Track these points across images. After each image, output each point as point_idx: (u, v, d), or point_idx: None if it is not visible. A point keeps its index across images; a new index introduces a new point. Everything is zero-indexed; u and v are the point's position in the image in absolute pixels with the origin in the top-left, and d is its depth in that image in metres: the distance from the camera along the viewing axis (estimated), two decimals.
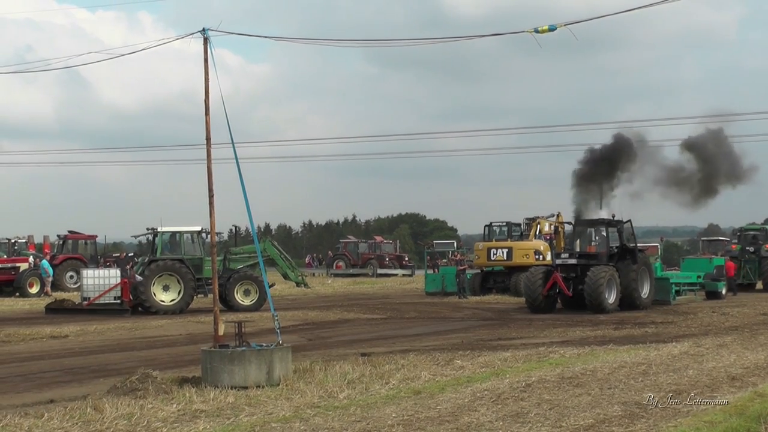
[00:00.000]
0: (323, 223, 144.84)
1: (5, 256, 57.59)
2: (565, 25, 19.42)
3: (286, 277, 45.55)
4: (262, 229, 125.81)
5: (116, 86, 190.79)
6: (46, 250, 60.84)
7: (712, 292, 46.53)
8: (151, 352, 24.07)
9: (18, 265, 55.23)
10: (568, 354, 21.17)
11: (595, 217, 40.66)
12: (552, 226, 51.82)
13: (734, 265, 50.82)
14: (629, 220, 39.49)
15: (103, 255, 65.65)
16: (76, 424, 13.36)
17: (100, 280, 39.42)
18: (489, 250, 48.91)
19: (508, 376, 17.67)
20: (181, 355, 22.58)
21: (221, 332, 17.93)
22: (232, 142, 18.49)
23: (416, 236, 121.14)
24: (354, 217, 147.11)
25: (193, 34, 18.64)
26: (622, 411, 14.03)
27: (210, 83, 18.38)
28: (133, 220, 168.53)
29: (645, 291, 38.86)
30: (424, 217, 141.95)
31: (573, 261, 38.41)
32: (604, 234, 39.71)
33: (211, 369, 16.56)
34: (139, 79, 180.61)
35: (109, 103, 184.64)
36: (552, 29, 19.47)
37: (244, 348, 16.90)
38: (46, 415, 13.82)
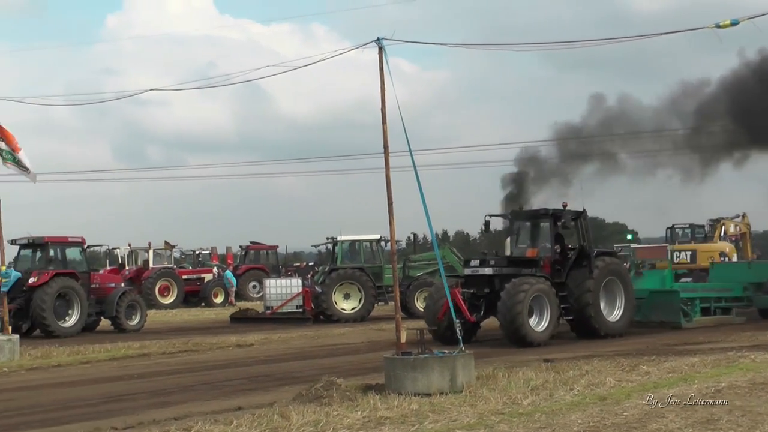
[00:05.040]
0: (501, 229, 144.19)
1: (190, 268, 59.08)
2: (748, 18, 18.81)
3: None
4: (440, 236, 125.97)
5: (293, 98, 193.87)
6: (230, 261, 62.24)
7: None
8: (333, 360, 24.31)
9: (203, 276, 56.73)
10: (759, 359, 20.45)
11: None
12: (737, 228, 50.48)
13: None
14: (582, 212, 29.32)
15: (284, 265, 66.77)
16: (264, 430, 13.55)
17: (282, 290, 40.08)
18: (672, 253, 47.93)
19: (696, 381, 17.20)
20: (363, 362, 22.71)
21: (403, 339, 17.97)
22: (410, 150, 18.52)
23: (596, 240, 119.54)
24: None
25: (367, 43, 18.71)
26: None
27: (386, 92, 18.45)
28: (312, 229, 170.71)
29: (615, 311, 28.61)
30: (604, 220, 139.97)
31: (487, 271, 27.57)
32: (548, 231, 29.44)
33: (394, 376, 16.60)
34: (315, 89, 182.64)
35: (287, 115, 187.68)
36: (734, 23, 18.88)
37: (426, 355, 16.89)
38: (234, 422, 14.05)
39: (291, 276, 53.03)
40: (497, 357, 22.81)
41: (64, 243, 36.75)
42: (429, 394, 15.95)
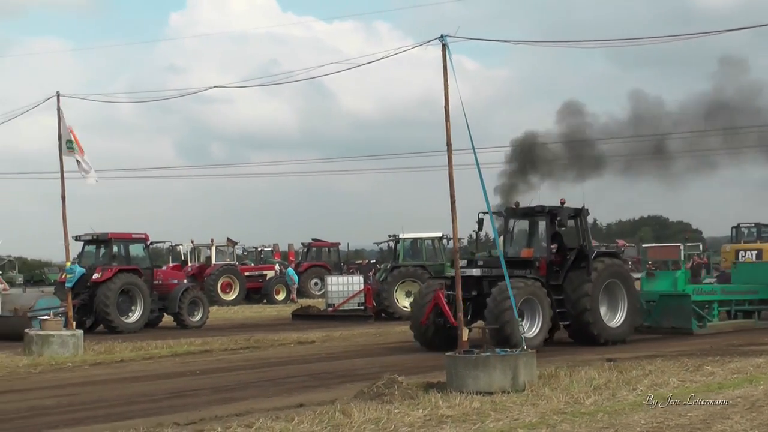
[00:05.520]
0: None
1: (252, 264, 59.34)
2: None
3: None
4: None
5: (356, 95, 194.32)
6: (291, 258, 62.40)
7: None
8: (394, 358, 24.27)
9: (265, 272, 56.91)
10: None
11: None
12: None
13: None
14: (583, 209, 27.31)
15: (346, 262, 66.86)
16: (326, 428, 13.55)
17: (344, 287, 40.18)
18: (737, 252, 47.32)
19: (762, 383, 16.99)
20: (425, 360, 22.65)
21: (465, 338, 17.92)
22: (473, 148, 18.46)
23: (659, 239, 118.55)
24: (595, 221, 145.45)
25: (431, 41, 18.69)
26: None
27: (449, 89, 18.40)
28: (374, 227, 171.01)
29: (617, 317, 26.54)
30: (667, 219, 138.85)
31: (474, 272, 25.59)
32: (544, 230, 27.30)
33: (456, 374, 16.56)
34: (377, 87, 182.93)
35: (350, 112, 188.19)
36: None
37: (488, 353, 16.82)
38: (296, 418, 14.07)
39: (353, 273, 53.20)
40: (559, 356, 22.67)
41: (127, 239, 37.04)
42: (491, 393, 15.90)
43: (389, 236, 41.78)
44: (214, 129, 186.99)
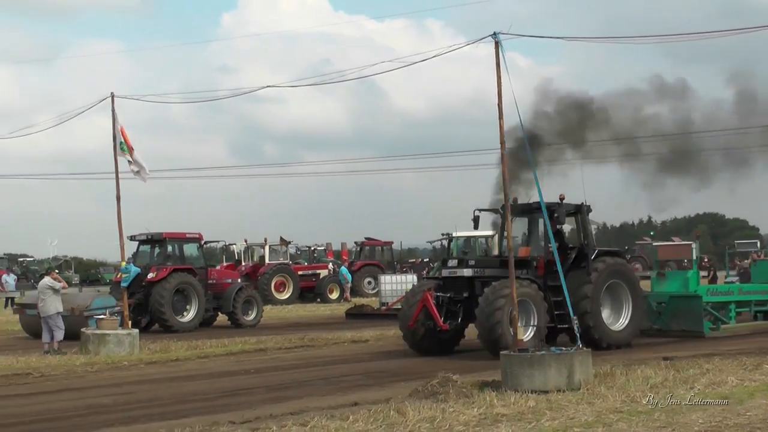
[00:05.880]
0: (617, 225, 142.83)
1: (306, 264, 59.47)
2: None
3: None
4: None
5: (407, 94, 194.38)
6: (345, 257, 62.51)
7: None
8: (449, 356, 24.17)
9: (318, 271, 57.01)
10: None
11: None
12: None
13: None
14: (583, 205, 25.77)
15: (399, 261, 66.83)
16: (380, 426, 13.53)
17: (397, 286, 40.16)
18: None
19: None
20: (479, 359, 22.55)
21: (520, 336, 17.83)
22: (527, 145, 18.37)
23: (715, 237, 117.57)
24: (649, 218, 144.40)
25: (483, 38, 18.62)
26: None
27: (502, 87, 18.31)
28: (427, 225, 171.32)
29: (621, 319, 25.26)
30: (723, 216, 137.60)
31: (466, 272, 24.37)
32: (541, 228, 25.76)
33: (511, 373, 16.49)
34: (429, 85, 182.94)
35: (401, 111, 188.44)
36: None
37: (543, 352, 16.73)
38: (350, 417, 14.06)
39: (406, 272, 53.16)
40: (614, 355, 22.51)
41: (181, 239, 37.27)
42: (546, 392, 15.83)
43: (442, 235, 41.79)
44: (266, 128, 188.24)
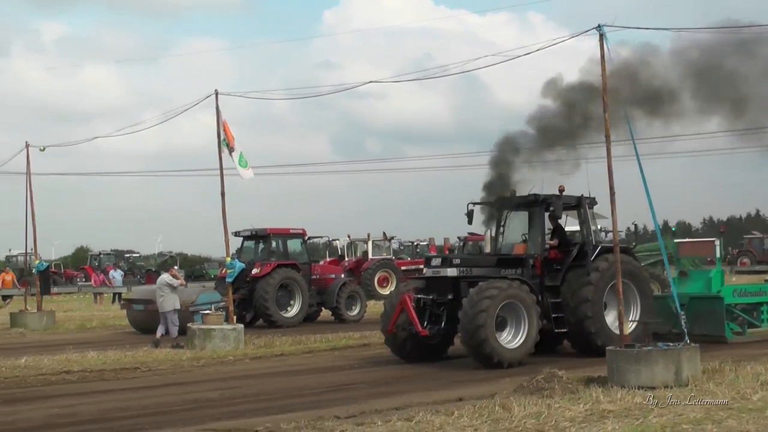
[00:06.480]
0: (724, 219, 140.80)
1: (409, 259, 59.49)
2: None
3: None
4: (661, 227, 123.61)
5: (510, 88, 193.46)
6: (447, 252, 62.33)
7: None
8: (554, 352, 23.97)
9: (421, 266, 56.78)
10: None
11: None
12: None
13: None
14: (582, 198, 23.48)
15: None
16: (485, 422, 13.47)
17: None
18: None
19: None
20: (582, 355, 22.28)
21: (626, 332, 17.64)
22: (632, 139, 18.12)
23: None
24: (757, 211, 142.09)
25: (587, 30, 18.42)
26: None
27: (607, 80, 18.12)
28: None
29: (628, 323, 20.69)
30: None
31: (450, 272, 22.03)
32: (538, 223, 23.44)
33: (617, 369, 16.31)
34: (531, 79, 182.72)
35: (504, 105, 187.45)
36: None
37: (650, 348, 16.52)
38: (455, 413, 14.03)
39: None
40: (723, 351, 22.11)
41: (285, 235, 37.56)
42: (653, 388, 15.63)
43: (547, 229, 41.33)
44: (369, 124, 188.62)
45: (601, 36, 18.00)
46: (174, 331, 26.85)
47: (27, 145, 37.03)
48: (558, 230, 23.64)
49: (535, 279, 22.41)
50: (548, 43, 20.56)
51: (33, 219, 37.14)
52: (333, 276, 38.44)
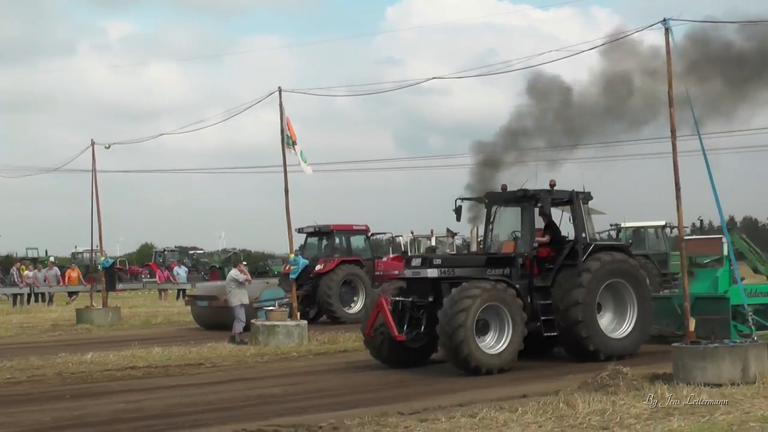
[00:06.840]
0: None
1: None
2: None
3: (756, 270, 43.79)
4: (727, 222, 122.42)
5: (574, 83, 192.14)
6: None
7: None
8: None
9: None
10: None
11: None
12: None
13: None
14: (575, 193, 22.27)
15: None
16: (549, 418, 13.41)
17: None
18: None
19: None
20: (650, 351, 22.03)
21: (692, 328, 17.46)
22: (698, 133, 17.92)
23: None
24: None
25: (653, 24, 18.27)
26: None
27: (672, 74, 17.94)
28: (596, 216, 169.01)
29: (624, 325, 21.70)
30: None
31: (430, 273, 20.74)
32: (528, 219, 22.06)
33: (683, 366, 16.15)
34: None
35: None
36: None
37: (716, 344, 16.33)
38: (519, 409, 14.00)
39: None
40: None
41: (349, 231, 37.61)
42: (719, 385, 15.46)
43: (611, 225, 41.07)
44: (431, 120, 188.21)
45: (667, 30, 17.83)
46: (239, 326, 26.97)
47: (92, 143, 37.43)
48: (551, 227, 22.51)
49: (524, 279, 21.29)
50: (613, 37, 20.40)
51: (98, 216, 37.46)
52: (396, 272, 38.37)
